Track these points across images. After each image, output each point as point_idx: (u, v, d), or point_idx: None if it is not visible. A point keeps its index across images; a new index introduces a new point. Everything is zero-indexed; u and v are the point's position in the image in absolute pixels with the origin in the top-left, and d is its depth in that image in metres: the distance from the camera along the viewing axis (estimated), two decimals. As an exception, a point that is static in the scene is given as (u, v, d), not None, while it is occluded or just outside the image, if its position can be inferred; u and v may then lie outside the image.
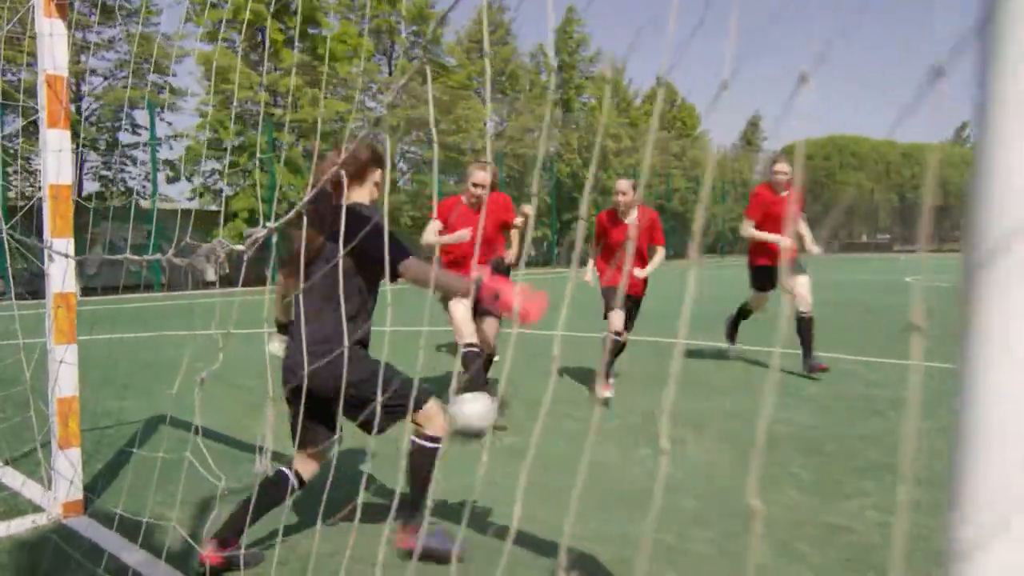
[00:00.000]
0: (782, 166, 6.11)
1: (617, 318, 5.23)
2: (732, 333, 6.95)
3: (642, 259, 5.53)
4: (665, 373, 6.29)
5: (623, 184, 5.48)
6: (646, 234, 5.56)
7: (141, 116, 21.36)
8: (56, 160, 2.97)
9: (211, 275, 2.74)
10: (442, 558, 2.60)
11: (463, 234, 4.65)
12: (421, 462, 2.63)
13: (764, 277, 6.38)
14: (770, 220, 6.09)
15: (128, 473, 3.64)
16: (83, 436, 3.91)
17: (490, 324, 4.84)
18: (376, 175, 2.69)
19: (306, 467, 2.68)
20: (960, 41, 0.36)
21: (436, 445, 2.63)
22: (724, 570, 2.59)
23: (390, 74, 26.74)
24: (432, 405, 2.68)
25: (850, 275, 22.36)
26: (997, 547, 0.35)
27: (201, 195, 21.46)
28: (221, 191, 21.29)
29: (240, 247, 1.72)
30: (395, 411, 2.56)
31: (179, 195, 22.12)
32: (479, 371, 4.62)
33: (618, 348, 5.38)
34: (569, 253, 32.37)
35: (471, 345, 4.59)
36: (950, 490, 0.37)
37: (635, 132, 37.27)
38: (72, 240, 3.02)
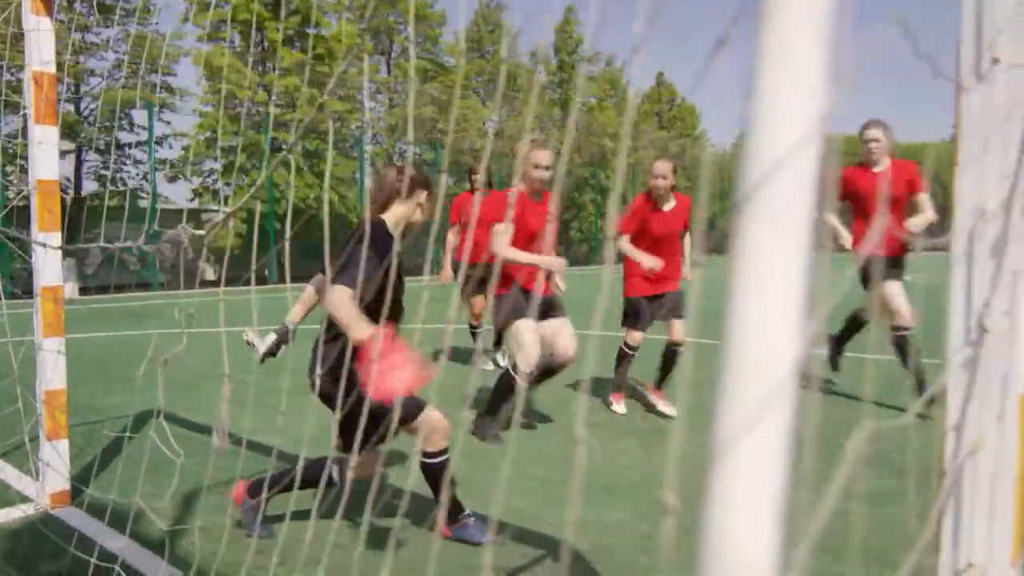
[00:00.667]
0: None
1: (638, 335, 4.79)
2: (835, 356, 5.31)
3: (677, 253, 4.80)
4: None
5: (663, 167, 4.60)
6: (683, 224, 4.82)
7: (139, 116, 21.45)
8: (44, 155, 3.03)
9: (210, 274, 2.81)
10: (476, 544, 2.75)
11: (557, 262, 4.08)
12: (434, 476, 2.71)
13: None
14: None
15: (118, 465, 3.69)
16: (75, 430, 3.97)
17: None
18: (421, 196, 2.71)
19: (356, 469, 2.69)
20: (739, 11, 0.41)
21: (440, 460, 2.69)
22: (694, 556, 2.64)
23: (388, 73, 26.80)
24: (427, 418, 2.67)
25: (840, 273, 22.39)
26: (747, 439, 0.41)
27: (200, 195, 21.53)
28: (219, 191, 21.36)
29: (201, 232, 1.78)
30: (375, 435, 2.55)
31: (177, 196, 22.20)
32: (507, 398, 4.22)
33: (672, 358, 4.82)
34: (569, 251, 32.47)
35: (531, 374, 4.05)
36: (719, 395, 0.43)
37: (635, 132, 37.32)
38: (60, 234, 3.07)
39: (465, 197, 6.30)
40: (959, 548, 0.94)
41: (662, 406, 4.78)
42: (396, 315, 2.62)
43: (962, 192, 0.93)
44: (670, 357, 4.72)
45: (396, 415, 2.50)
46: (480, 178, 4.85)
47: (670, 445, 4.01)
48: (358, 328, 2.26)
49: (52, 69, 3.03)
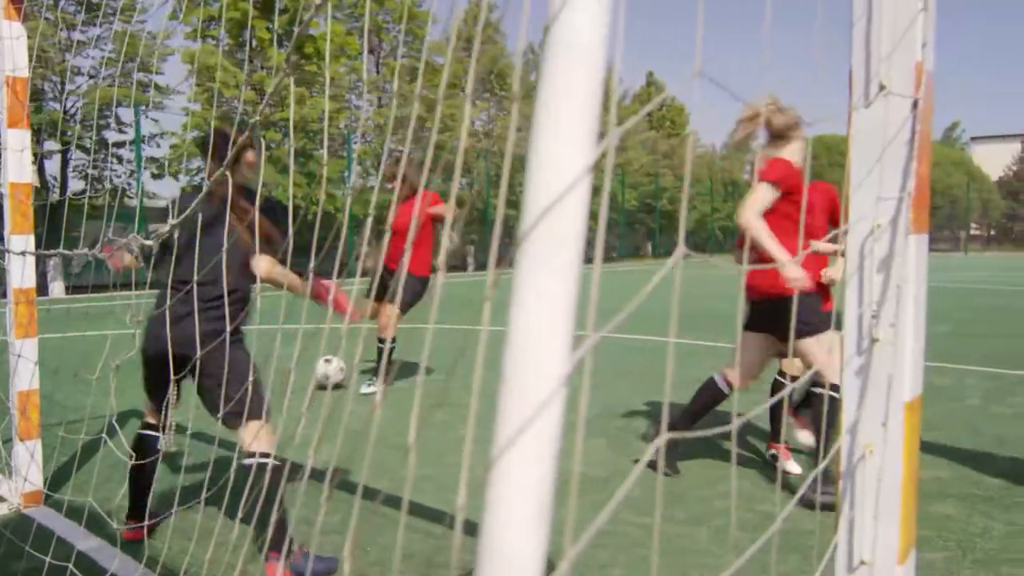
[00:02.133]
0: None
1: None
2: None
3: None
4: (632, 369, 6.41)
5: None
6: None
7: (126, 114, 21.36)
8: (17, 159, 3.05)
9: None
10: None
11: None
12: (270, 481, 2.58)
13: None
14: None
15: (93, 466, 3.72)
16: (52, 430, 3.99)
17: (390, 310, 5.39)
18: (248, 156, 2.81)
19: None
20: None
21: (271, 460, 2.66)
22: (656, 553, 2.70)
23: (378, 72, 26.79)
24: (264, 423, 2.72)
25: (834, 274, 22.56)
26: (512, 453, 0.46)
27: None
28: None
29: (149, 243, 1.83)
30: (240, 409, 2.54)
31: (166, 194, 22.11)
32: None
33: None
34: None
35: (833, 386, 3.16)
36: (497, 413, 0.49)
37: (624, 131, 37.35)
38: (32, 237, 3.10)
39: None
40: (852, 546, 1.00)
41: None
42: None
43: (854, 210, 0.99)
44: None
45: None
46: (398, 184, 5.27)
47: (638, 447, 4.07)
48: (298, 281, 2.70)
49: (25, 74, 3.06)
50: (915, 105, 0.94)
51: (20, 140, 3.07)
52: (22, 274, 3.06)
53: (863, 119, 0.97)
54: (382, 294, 5.64)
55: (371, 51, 26.89)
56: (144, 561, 2.59)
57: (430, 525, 2.92)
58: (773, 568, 2.50)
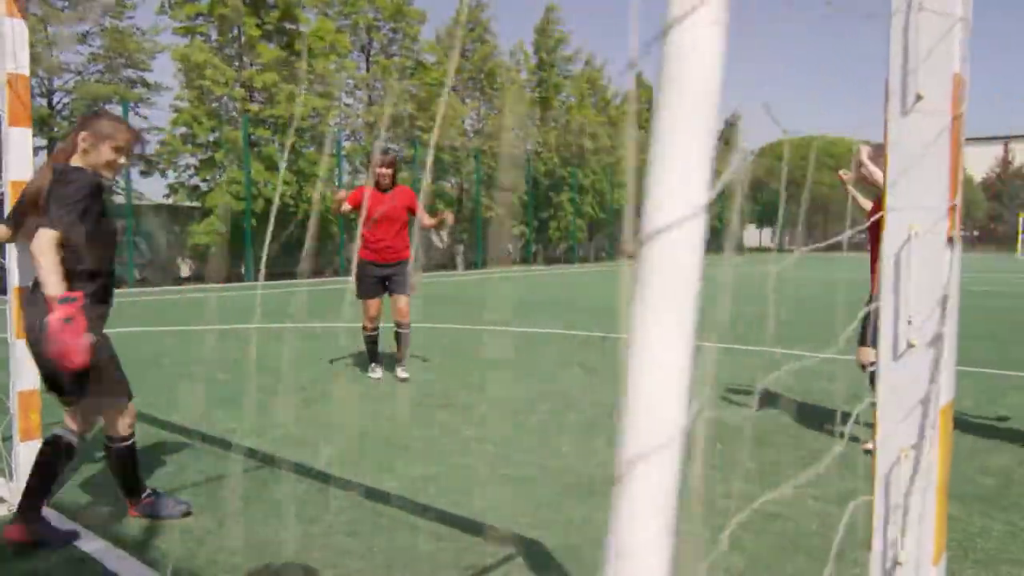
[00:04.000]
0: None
1: None
2: None
3: None
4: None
5: None
6: None
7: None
8: (17, 157, 3.03)
9: (185, 271, 2.91)
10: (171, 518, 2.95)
11: None
12: (122, 460, 2.93)
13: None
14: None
15: (92, 466, 3.70)
16: (51, 429, 3.96)
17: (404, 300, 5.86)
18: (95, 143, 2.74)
19: (79, 423, 2.82)
20: (648, 42, 0.46)
21: (129, 444, 2.93)
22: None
23: (367, 70, 26.70)
24: (125, 403, 2.87)
25: (822, 273, 22.71)
26: (641, 468, 0.46)
27: (176, 191, 21.32)
28: (197, 187, 21.16)
29: None
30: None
31: (153, 192, 21.95)
32: None
33: None
34: (548, 250, 32.57)
35: None
36: (621, 428, 0.49)
37: (614, 131, 37.47)
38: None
39: (361, 190, 6.01)
40: (888, 548, 1.02)
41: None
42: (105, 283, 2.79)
43: (890, 217, 1.00)
44: None
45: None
46: (388, 175, 5.82)
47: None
48: (53, 284, 2.39)
49: (26, 71, 3.04)
50: (952, 114, 0.95)
51: (21, 138, 3.05)
52: (23, 272, 3.03)
53: (900, 128, 0.99)
54: (375, 287, 5.89)
55: (361, 49, 26.81)
56: (150, 562, 2.58)
57: (436, 526, 2.92)
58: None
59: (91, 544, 2.72)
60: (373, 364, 6.08)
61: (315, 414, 4.83)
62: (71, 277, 2.50)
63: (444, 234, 6.62)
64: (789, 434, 4.32)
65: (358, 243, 5.87)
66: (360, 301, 6.01)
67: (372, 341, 6.03)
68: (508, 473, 3.62)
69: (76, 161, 2.70)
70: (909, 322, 0.97)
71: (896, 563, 0.99)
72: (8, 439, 3.20)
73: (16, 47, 3.00)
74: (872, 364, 3.90)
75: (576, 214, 32.69)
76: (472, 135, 30.02)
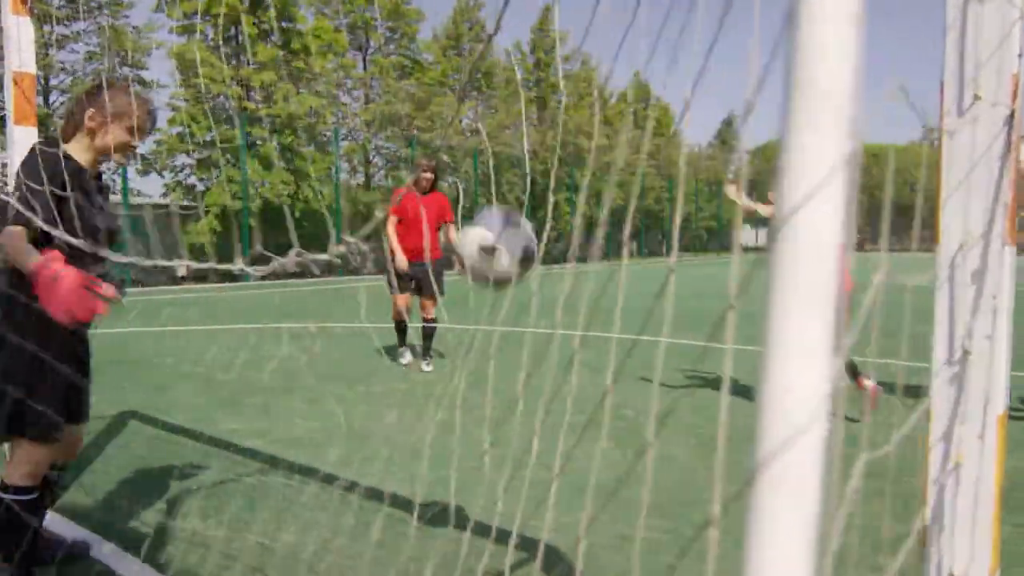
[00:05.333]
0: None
1: None
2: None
3: None
4: (636, 369, 6.42)
5: None
6: None
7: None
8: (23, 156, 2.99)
9: (182, 271, 2.80)
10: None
11: None
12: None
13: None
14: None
15: (94, 468, 3.66)
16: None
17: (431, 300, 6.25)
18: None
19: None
20: (769, 58, 0.44)
21: (26, 498, 2.24)
22: (674, 555, 2.69)
23: (365, 69, 26.65)
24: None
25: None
26: (782, 461, 0.44)
27: (173, 190, 21.26)
28: (194, 186, 21.10)
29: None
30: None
31: (150, 190, 21.89)
32: None
33: None
34: (545, 250, 32.56)
35: None
36: (758, 418, 0.47)
37: (611, 130, 37.50)
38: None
39: (397, 192, 6.68)
40: (942, 557, 0.99)
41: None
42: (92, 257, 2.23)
43: (945, 221, 0.98)
44: None
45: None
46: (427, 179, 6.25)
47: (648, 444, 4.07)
48: (29, 257, 2.04)
49: (32, 70, 3.00)
50: (1011, 116, 0.93)
51: (27, 137, 3.01)
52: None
53: (955, 129, 0.96)
54: (404, 284, 6.29)
55: (359, 48, 26.76)
56: (158, 567, 2.56)
57: (449, 530, 2.89)
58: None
59: (101, 548, 2.69)
60: (402, 349, 6.57)
61: (319, 415, 4.80)
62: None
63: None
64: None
65: (393, 240, 6.15)
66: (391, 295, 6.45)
67: (402, 330, 6.50)
68: (519, 474, 3.60)
69: (78, 143, 2.33)
70: (967, 329, 0.94)
71: (951, 574, 0.97)
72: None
73: (22, 45, 2.97)
74: None
75: (573, 214, 32.69)
76: (470, 134, 29.98)
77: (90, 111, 2.29)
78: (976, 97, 0.94)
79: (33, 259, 2.04)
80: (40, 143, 2.30)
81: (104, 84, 2.33)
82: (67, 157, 2.26)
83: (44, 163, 2.16)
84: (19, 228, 2.10)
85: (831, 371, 0.44)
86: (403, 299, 6.36)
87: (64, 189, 2.16)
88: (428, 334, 6.41)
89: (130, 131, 2.34)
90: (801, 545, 0.46)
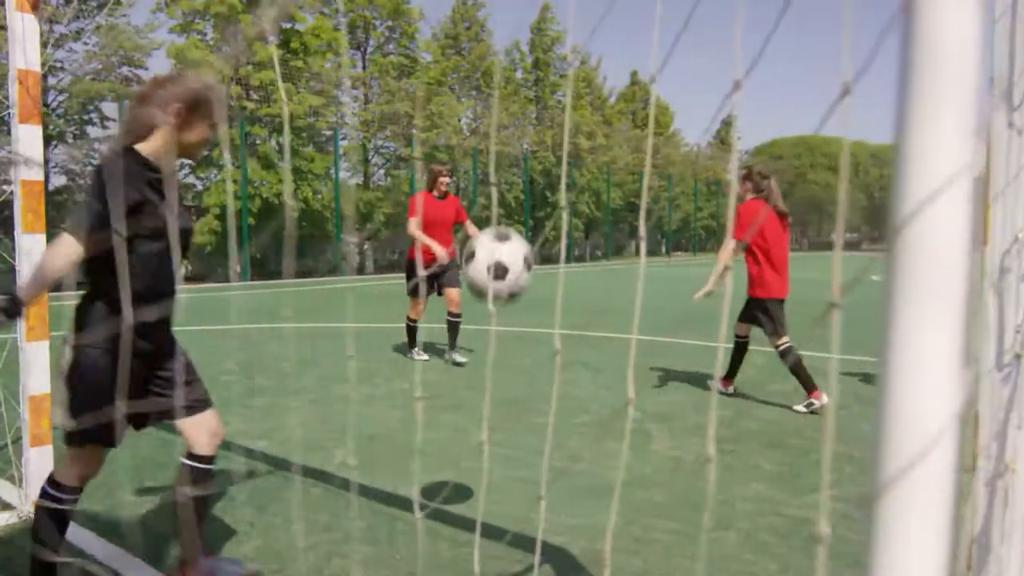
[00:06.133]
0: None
1: None
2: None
3: None
4: (637, 369, 6.38)
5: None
6: None
7: (110, 108, 21.04)
8: (29, 155, 2.96)
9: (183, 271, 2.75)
10: None
11: None
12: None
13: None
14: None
15: (103, 469, 3.62)
16: (57, 432, 3.89)
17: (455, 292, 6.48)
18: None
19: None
20: (865, 62, 0.41)
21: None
22: (689, 558, 2.67)
23: (364, 69, 26.59)
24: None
25: (818, 273, 22.73)
26: (902, 486, 0.41)
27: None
28: (193, 186, 21.04)
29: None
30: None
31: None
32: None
33: None
34: (544, 250, 32.54)
35: None
36: (876, 437, 0.44)
37: (609, 130, 37.47)
38: (44, 236, 3.01)
39: (413, 200, 6.61)
40: (991, 563, 0.96)
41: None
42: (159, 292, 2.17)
43: (993, 222, 0.95)
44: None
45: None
46: (446, 180, 6.52)
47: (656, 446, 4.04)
48: (38, 279, 1.97)
49: (37, 68, 2.97)
50: (1063, 112, 0.90)
51: (32, 136, 2.98)
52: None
53: (1003, 128, 0.94)
54: (425, 285, 6.57)
55: (358, 48, 26.70)
56: (165, 570, 2.53)
57: (456, 532, 2.87)
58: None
59: (105, 552, 2.66)
60: (417, 348, 6.84)
61: (322, 416, 4.76)
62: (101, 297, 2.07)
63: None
64: (804, 436, 4.28)
65: (425, 238, 6.28)
66: (410, 297, 6.61)
67: (415, 329, 6.74)
68: (523, 476, 3.57)
69: (153, 143, 2.14)
70: (1017, 331, 0.92)
71: (1000, 583, 0.94)
72: (17, 442, 3.14)
73: (27, 43, 2.94)
74: (781, 345, 4.96)
75: (572, 213, 32.65)
76: (468, 134, 29.93)
77: (175, 106, 2.13)
78: (1027, 95, 0.92)
79: (32, 284, 1.96)
80: (115, 149, 2.16)
81: (181, 78, 2.20)
82: (146, 162, 2.12)
83: (127, 173, 2.02)
84: (69, 238, 1.97)
85: (961, 382, 0.41)
86: (424, 301, 6.65)
87: (145, 196, 2.07)
88: (454, 328, 6.60)
89: (212, 127, 2.23)
90: (935, 568, 0.43)
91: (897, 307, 0.42)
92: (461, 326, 6.65)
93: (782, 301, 5.01)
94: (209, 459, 2.37)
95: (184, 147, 2.19)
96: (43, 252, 2.04)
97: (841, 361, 6.63)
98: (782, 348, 4.96)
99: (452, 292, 6.54)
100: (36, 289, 2.00)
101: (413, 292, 6.43)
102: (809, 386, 4.82)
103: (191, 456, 2.34)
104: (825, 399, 4.78)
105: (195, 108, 2.15)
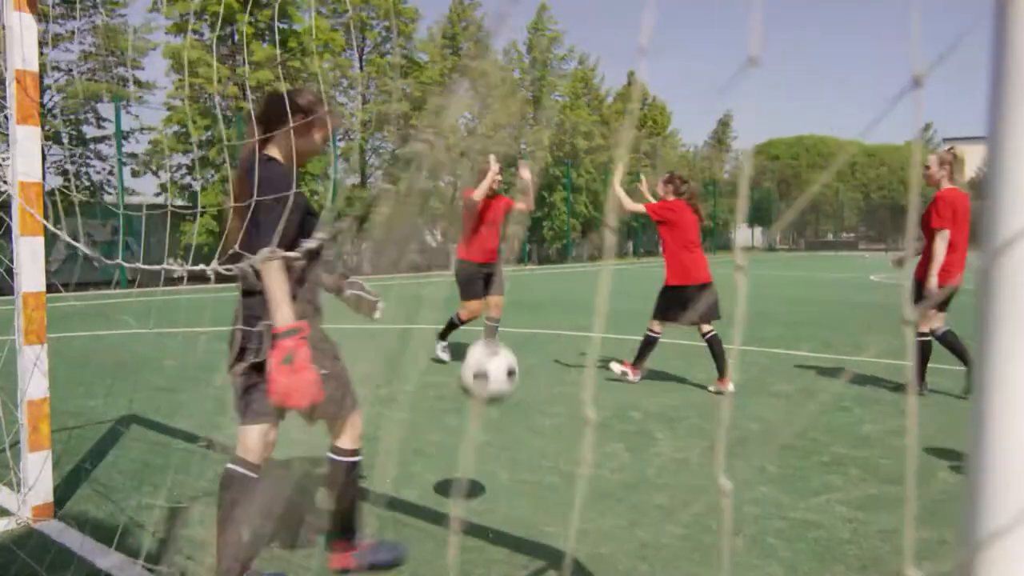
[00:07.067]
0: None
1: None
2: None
3: None
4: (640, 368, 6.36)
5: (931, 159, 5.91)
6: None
7: (106, 109, 20.95)
8: (26, 156, 2.93)
9: (179, 271, 2.72)
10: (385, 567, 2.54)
11: None
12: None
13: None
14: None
15: (99, 474, 3.60)
16: (54, 436, 3.85)
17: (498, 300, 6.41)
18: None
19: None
20: (940, 56, 0.39)
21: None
22: (696, 563, 2.64)
23: (361, 69, 26.52)
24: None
25: (817, 272, 22.73)
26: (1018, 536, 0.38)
27: (166, 190, 21.11)
28: (189, 186, 20.96)
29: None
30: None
31: (145, 190, 21.74)
32: None
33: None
34: (542, 250, 32.51)
35: None
36: (972, 483, 0.41)
37: (607, 130, 37.43)
38: (42, 238, 2.98)
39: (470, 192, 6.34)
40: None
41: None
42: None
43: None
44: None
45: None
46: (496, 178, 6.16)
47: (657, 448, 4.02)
48: (283, 305, 2.06)
49: (35, 68, 2.94)
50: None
51: (30, 137, 2.95)
52: (34, 277, 2.93)
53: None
54: (481, 288, 6.35)
55: (356, 47, 26.64)
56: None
57: (462, 536, 2.84)
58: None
59: (108, 559, 2.62)
60: (444, 344, 6.60)
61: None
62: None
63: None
64: (808, 437, 4.25)
65: (469, 244, 6.27)
66: (464, 301, 6.41)
67: (456, 328, 6.53)
68: (528, 479, 3.54)
69: (276, 151, 2.24)
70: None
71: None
72: (15, 446, 3.10)
73: (24, 42, 2.90)
74: (707, 333, 5.45)
75: (570, 213, 32.63)
76: (468, 134, 29.88)
77: (297, 115, 2.19)
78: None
79: (284, 312, 2.05)
80: (267, 156, 2.24)
81: (298, 89, 2.29)
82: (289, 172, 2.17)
83: (287, 181, 2.11)
84: (277, 261, 2.05)
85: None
86: (481, 304, 6.41)
87: (305, 207, 2.20)
88: (491, 332, 6.48)
89: (325, 138, 2.31)
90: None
91: (995, 337, 0.39)
92: (462, 328, 6.59)
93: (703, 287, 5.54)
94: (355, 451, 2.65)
95: (302, 154, 2.27)
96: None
97: (848, 362, 6.61)
98: (708, 336, 5.46)
99: (495, 299, 6.42)
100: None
101: (467, 295, 6.29)
102: (723, 373, 5.40)
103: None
104: (731, 387, 5.32)
105: (313, 121, 2.27)
